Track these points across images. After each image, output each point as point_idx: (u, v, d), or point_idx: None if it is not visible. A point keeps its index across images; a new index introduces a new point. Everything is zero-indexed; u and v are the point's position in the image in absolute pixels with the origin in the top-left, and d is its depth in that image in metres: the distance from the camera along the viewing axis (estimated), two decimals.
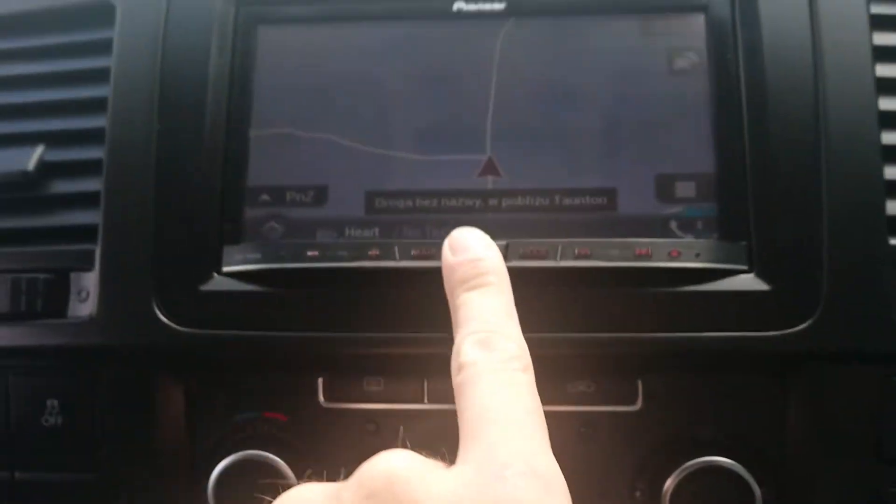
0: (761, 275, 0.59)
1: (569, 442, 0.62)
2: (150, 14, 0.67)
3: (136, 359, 0.63)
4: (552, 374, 0.61)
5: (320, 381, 0.64)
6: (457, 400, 0.44)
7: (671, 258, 0.59)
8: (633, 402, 0.62)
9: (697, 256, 0.59)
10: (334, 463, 0.63)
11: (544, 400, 0.61)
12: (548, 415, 0.61)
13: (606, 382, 0.62)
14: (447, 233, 0.56)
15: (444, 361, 0.61)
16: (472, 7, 0.66)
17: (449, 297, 0.52)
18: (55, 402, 0.64)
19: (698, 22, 0.64)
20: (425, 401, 0.63)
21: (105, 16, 0.68)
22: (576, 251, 0.59)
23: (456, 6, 0.66)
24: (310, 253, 0.61)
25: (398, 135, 0.64)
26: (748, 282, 0.59)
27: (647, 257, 0.59)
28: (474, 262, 0.51)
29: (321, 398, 0.64)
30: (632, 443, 0.63)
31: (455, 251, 0.53)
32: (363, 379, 0.63)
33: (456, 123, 0.64)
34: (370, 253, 0.60)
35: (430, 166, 0.63)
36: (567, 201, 0.62)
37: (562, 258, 0.59)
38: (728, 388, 0.62)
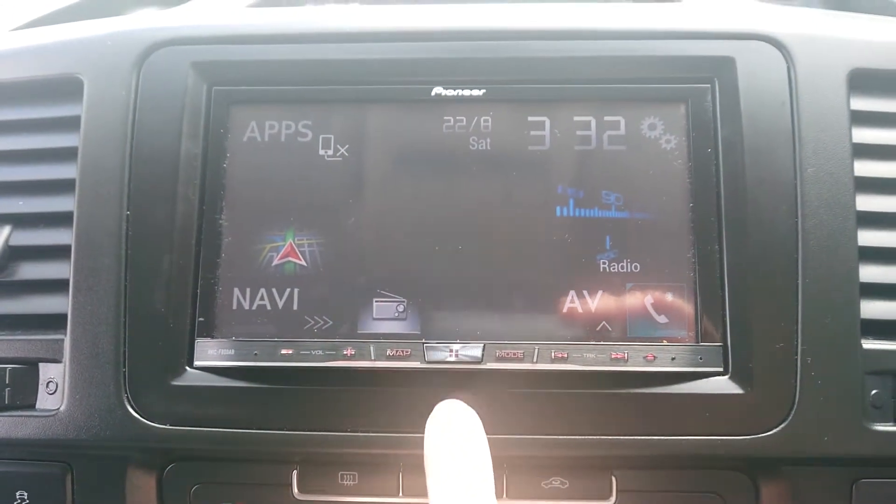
0: (735, 378, 0.59)
1: None
2: (119, 90, 0.65)
3: (107, 453, 0.62)
4: (527, 471, 0.62)
5: (295, 473, 0.63)
6: None
7: (647, 362, 0.59)
8: (606, 497, 0.62)
9: (673, 360, 0.59)
10: None
11: (518, 495, 0.62)
12: None
13: (581, 478, 0.62)
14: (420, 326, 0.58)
15: (419, 457, 0.61)
16: (451, 93, 0.64)
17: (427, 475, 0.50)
18: (24, 494, 0.63)
19: (679, 113, 0.64)
20: (400, 495, 0.62)
21: (72, 90, 0.66)
22: (553, 354, 0.59)
23: (434, 91, 0.65)
24: (284, 351, 0.60)
25: (374, 230, 0.63)
26: (722, 384, 0.59)
27: (623, 361, 0.59)
28: (452, 455, 0.49)
29: (295, 490, 0.63)
30: None
31: (435, 433, 0.51)
32: (338, 472, 0.63)
33: (426, 217, 0.63)
34: (345, 352, 0.60)
35: (398, 260, 0.62)
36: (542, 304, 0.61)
37: (539, 361, 0.59)
38: (702, 483, 0.62)
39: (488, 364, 0.59)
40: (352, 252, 0.62)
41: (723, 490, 0.62)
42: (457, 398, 0.58)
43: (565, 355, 0.59)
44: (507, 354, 0.59)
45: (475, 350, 0.59)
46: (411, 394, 0.60)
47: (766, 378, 0.59)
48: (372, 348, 0.60)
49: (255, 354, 0.60)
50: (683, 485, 0.62)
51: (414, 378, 0.60)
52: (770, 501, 0.61)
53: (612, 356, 0.59)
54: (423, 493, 0.62)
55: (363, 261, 0.62)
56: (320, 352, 0.60)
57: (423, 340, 0.60)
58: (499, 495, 0.61)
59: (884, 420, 0.59)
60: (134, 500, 0.64)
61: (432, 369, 0.59)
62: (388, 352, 0.59)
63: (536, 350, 0.59)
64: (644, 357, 0.59)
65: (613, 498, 0.62)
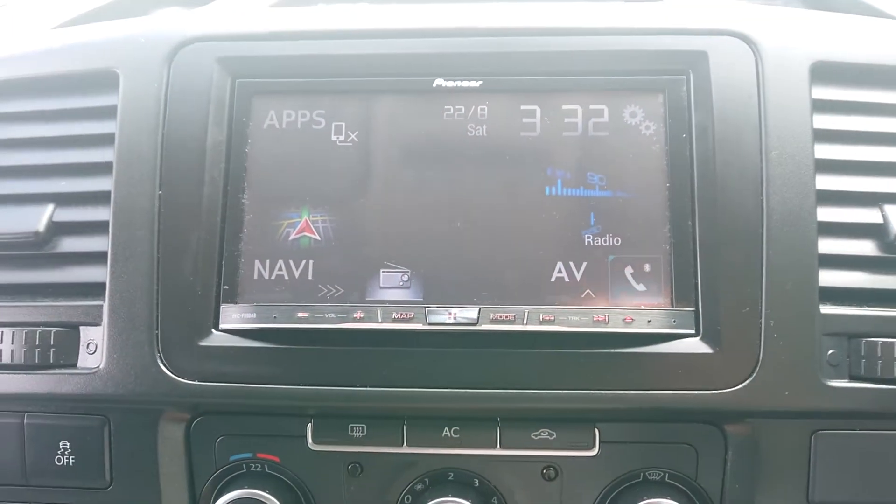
0: (706, 339, 0.65)
1: (532, 483, 0.69)
2: (151, 82, 0.72)
3: (141, 406, 0.70)
4: (518, 423, 0.68)
5: (309, 425, 0.70)
6: None
7: (626, 324, 0.65)
8: (590, 447, 0.69)
9: (649, 323, 0.66)
10: (323, 500, 0.71)
11: (510, 445, 0.68)
12: (513, 459, 0.69)
13: (567, 430, 0.68)
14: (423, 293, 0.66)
15: (423, 409, 0.68)
16: (451, 84, 0.71)
17: None
18: (67, 444, 0.70)
19: (658, 102, 0.70)
20: (404, 445, 0.69)
21: (109, 83, 0.74)
22: (541, 317, 0.66)
23: (436, 83, 0.71)
24: (300, 314, 0.67)
25: (381, 208, 0.69)
26: (694, 345, 0.66)
27: (604, 323, 0.65)
28: None
29: (310, 440, 0.70)
30: (589, 483, 0.70)
31: None
32: (348, 424, 0.69)
33: (428, 195, 0.69)
34: (355, 315, 0.67)
35: (403, 234, 0.69)
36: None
37: (528, 322, 0.66)
38: (677, 435, 0.69)
39: (483, 326, 0.66)
40: (361, 227, 0.69)
41: (695, 440, 0.68)
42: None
43: (552, 318, 0.66)
44: (500, 317, 0.66)
45: (471, 313, 0.66)
46: (414, 353, 0.66)
47: (732, 339, 0.65)
48: (379, 312, 0.66)
49: (275, 317, 0.67)
50: (660, 436, 0.69)
51: (416, 338, 0.66)
52: (737, 451, 0.68)
53: (595, 319, 0.65)
54: (425, 443, 0.70)
55: (371, 235, 0.69)
56: (333, 315, 0.66)
57: (425, 305, 0.67)
58: (492, 445, 0.68)
59: (839, 377, 0.65)
60: (165, 450, 0.71)
61: (433, 331, 0.66)
62: (394, 315, 0.66)
63: (526, 313, 0.66)
64: (623, 319, 0.65)
65: (597, 448, 0.68)
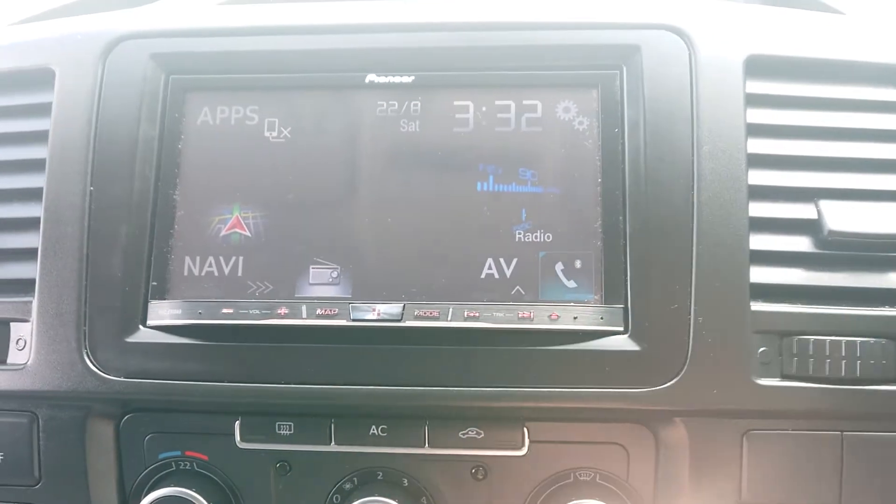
0: (634, 336, 0.64)
1: (461, 483, 0.68)
2: (86, 79, 0.72)
3: (69, 402, 0.69)
4: (446, 422, 0.67)
5: (237, 423, 0.69)
6: None
7: (551, 321, 0.64)
8: (519, 447, 0.67)
9: (575, 319, 0.64)
10: (252, 499, 0.70)
11: (439, 444, 0.67)
12: (441, 458, 0.68)
13: (495, 429, 0.67)
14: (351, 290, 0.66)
15: (349, 407, 0.68)
16: (383, 79, 0.71)
17: None
18: None
19: (591, 97, 0.69)
20: (332, 444, 0.68)
21: (45, 80, 0.74)
22: (465, 313, 0.65)
23: (368, 79, 0.71)
24: (225, 310, 0.66)
25: (313, 204, 0.69)
26: (622, 342, 0.64)
27: (529, 320, 0.64)
28: None
29: (238, 438, 0.69)
30: (519, 484, 0.69)
31: None
32: (275, 422, 0.69)
33: (360, 192, 0.69)
34: (280, 311, 0.66)
35: (333, 231, 0.68)
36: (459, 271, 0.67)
37: (452, 319, 0.65)
38: (607, 435, 0.68)
39: (407, 322, 0.65)
40: (292, 224, 0.69)
41: (625, 440, 0.67)
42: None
43: (477, 314, 0.65)
44: (425, 314, 0.65)
45: (396, 309, 0.65)
46: (339, 349, 0.66)
47: (661, 336, 0.64)
48: (304, 308, 0.66)
49: (200, 313, 0.67)
50: (590, 436, 0.68)
51: (341, 335, 0.66)
52: (668, 451, 0.66)
53: (520, 315, 0.64)
54: (352, 442, 0.69)
55: (302, 232, 0.68)
56: (257, 311, 0.66)
57: (350, 301, 0.66)
58: (421, 444, 0.67)
59: (771, 376, 0.64)
60: (94, 447, 0.70)
61: (358, 327, 0.65)
62: (318, 311, 0.66)
63: (451, 309, 0.65)
64: (549, 316, 0.64)
65: (526, 447, 0.67)
